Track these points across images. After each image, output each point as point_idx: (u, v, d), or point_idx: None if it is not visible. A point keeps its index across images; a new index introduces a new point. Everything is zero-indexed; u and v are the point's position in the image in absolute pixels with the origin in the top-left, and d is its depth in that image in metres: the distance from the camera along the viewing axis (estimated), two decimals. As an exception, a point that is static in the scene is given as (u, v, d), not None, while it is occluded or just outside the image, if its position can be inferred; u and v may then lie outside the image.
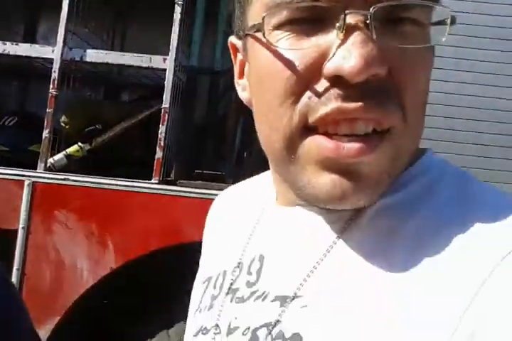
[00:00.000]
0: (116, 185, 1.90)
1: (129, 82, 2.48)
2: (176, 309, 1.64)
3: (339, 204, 0.39)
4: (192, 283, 0.59)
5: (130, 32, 2.64)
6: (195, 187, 1.89)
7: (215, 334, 0.48)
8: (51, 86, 2.00)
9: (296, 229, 0.46)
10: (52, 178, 1.93)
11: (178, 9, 1.93)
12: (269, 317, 0.43)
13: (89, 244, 1.86)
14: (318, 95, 0.37)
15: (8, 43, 2.09)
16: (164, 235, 1.85)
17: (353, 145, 0.37)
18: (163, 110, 1.95)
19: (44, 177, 1.93)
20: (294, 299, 0.42)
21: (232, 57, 0.49)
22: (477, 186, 0.42)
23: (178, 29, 1.93)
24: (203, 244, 0.62)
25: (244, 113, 2.17)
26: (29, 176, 1.92)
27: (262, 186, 0.57)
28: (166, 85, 1.94)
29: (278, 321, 0.42)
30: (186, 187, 1.89)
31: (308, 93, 0.37)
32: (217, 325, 0.48)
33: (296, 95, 0.38)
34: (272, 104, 0.39)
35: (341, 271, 0.41)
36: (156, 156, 1.93)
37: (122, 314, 1.83)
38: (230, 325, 0.47)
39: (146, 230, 1.85)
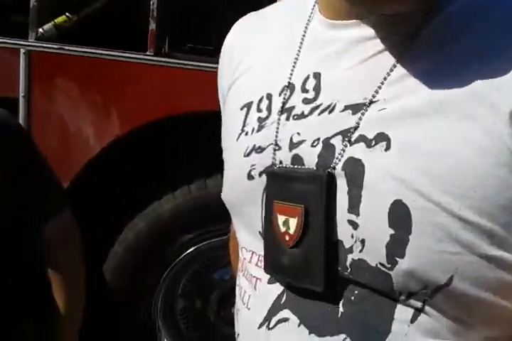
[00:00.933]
0: (112, 55, 1.94)
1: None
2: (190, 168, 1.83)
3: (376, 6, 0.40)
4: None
5: None
6: (190, 60, 1.96)
7: (274, 150, 0.48)
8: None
9: (355, 44, 0.45)
10: (47, 47, 1.93)
11: None
12: (343, 124, 0.44)
13: (93, 112, 1.95)
14: None
15: None
16: (164, 105, 1.95)
17: None
18: (154, -20, 1.92)
19: (39, 46, 1.93)
20: (370, 104, 0.43)
21: None
22: None
23: None
24: (220, 73, 0.61)
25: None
26: (23, 45, 1.92)
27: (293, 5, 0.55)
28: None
29: (356, 127, 0.43)
30: (182, 59, 1.96)
31: None
32: (275, 143, 0.48)
33: None
34: None
35: (410, 78, 0.42)
36: (150, 27, 1.95)
37: (135, 178, 1.99)
38: (291, 140, 0.47)
39: (146, 101, 1.95)
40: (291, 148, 0.46)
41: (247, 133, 0.51)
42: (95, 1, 2.08)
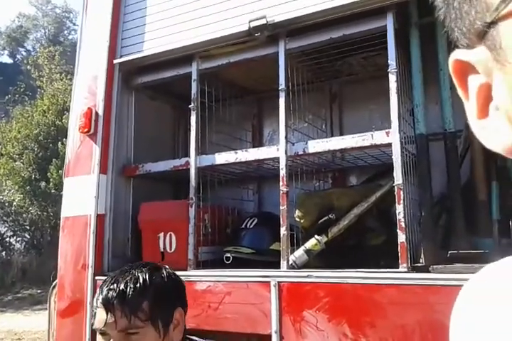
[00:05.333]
0: (360, 277, 1.71)
1: (355, 164, 2.40)
2: None
3: None
4: None
5: (347, 115, 2.62)
6: (453, 272, 1.57)
7: None
8: (281, 183, 2.02)
9: None
10: (295, 276, 1.85)
11: (392, 78, 1.81)
12: None
13: (346, 348, 1.67)
14: None
15: (238, 151, 2.25)
16: (428, 334, 1.54)
17: None
18: (396, 188, 1.75)
19: (288, 276, 1.87)
20: None
21: (459, 84, 0.34)
22: None
23: (396, 98, 1.79)
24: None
25: (497, 175, 1.83)
26: (274, 276, 1.88)
27: None
28: (394, 160, 1.77)
29: None
30: (442, 273, 1.59)
31: None
32: None
33: None
34: None
35: None
36: (399, 240, 1.71)
37: None
38: None
39: (405, 329, 1.58)
40: None
41: None
42: (340, 221, 2.01)
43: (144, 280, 1.01)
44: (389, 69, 1.84)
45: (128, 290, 0.98)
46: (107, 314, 0.98)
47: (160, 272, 1.07)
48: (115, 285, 1.00)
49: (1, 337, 7.25)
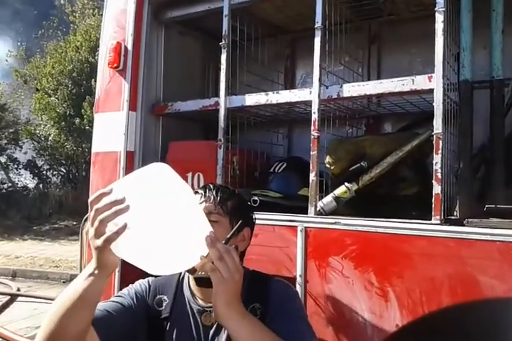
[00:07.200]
0: (390, 227, 1.67)
1: (391, 111, 2.28)
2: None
3: None
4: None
5: (386, 58, 2.47)
6: (489, 227, 1.51)
7: None
8: (312, 127, 1.95)
9: None
10: (323, 222, 1.83)
11: (439, 17, 1.66)
12: None
13: (369, 295, 1.66)
14: None
15: (269, 93, 2.16)
16: (457, 288, 1.51)
17: None
18: (435, 137, 1.66)
19: (315, 222, 1.84)
20: None
21: None
22: None
23: (441, 40, 1.65)
24: None
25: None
26: (301, 221, 1.86)
27: None
28: (435, 108, 1.66)
29: None
30: (477, 227, 1.53)
31: None
32: None
33: None
34: None
35: None
36: (434, 191, 1.64)
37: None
38: None
39: (433, 281, 1.55)
40: None
41: None
42: (373, 169, 1.94)
43: (233, 190, 1.30)
44: (436, 8, 1.68)
45: (221, 189, 1.26)
46: (201, 198, 1.23)
47: (242, 195, 1.33)
48: (212, 185, 1.28)
49: (40, 264, 7.70)
